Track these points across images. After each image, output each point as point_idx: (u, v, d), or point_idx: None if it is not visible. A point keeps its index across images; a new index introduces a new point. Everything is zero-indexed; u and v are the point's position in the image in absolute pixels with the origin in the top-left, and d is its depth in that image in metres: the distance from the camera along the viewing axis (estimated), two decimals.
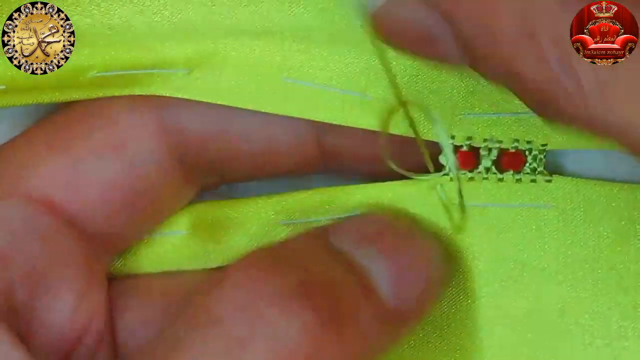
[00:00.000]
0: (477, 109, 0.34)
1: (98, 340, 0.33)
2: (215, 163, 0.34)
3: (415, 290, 0.32)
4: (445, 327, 0.35)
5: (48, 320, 0.32)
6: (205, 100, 0.34)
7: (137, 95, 0.34)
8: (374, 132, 0.33)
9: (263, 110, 0.34)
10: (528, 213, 0.34)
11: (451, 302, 0.35)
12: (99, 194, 0.33)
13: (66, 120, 0.34)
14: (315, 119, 0.34)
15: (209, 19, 0.34)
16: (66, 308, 0.33)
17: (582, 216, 0.34)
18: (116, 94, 0.34)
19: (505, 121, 0.34)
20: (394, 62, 0.33)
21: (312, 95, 0.34)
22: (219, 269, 0.35)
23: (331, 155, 0.35)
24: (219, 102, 0.34)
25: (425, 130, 0.34)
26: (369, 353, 0.31)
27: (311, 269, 0.31)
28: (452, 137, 0.34)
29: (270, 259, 0.31)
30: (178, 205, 0.35)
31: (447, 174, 0.34)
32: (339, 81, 0.34)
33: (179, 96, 0.34)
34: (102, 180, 0.33)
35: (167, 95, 0.34)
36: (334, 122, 0.34)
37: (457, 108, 0.34)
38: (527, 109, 0.32)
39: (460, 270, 0.35)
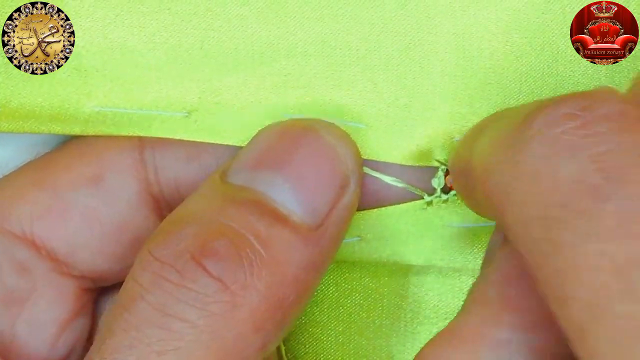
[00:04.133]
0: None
1: None
2: None
3: (323, 195, 0.31)
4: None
5: (28, 348, 0.33)
6: (205, 141, 0.34)
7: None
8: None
9: None
10: None
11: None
12: (78, 225, 0.33)
13: (53, 156, 0.34)
14: None
15: (206, 44, 0.34)
16: (47, 338, 0.33)
17: None
18: (115, 133, 0.34)
19: None
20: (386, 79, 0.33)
21: None
22: None
23: None
24: (219, 142, 0.34)
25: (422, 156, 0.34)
26: (303, 275, 0.31)
27: (208, 219, 0.30)
28: (445, 160, 0.34)
29: (164, 230, 0.31)
30: None
31: (439, 197, 0.34)
32: (349, 115, 0.34)
33: (178, 137, 0.34)
34: (80, 212, 0.33)
35: (165, 137, 0.34)
36: None
37: (450, 132, 0.34)
38: None
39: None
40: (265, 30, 0.33)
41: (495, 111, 0.33)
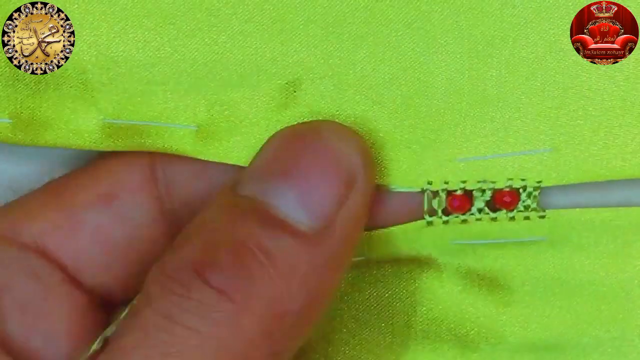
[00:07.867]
0: (472, 153, 0.34)
1: None
2: None
3: (327, 197, 0.32)
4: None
5: (42, 357, 0.33)
6: (214, 160, 0.34)
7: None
8: None
9: None
10: (521, 246, 0.34)
11: (449, 323, 0.35)
12: (91, 243, 0.34)
13: (68, 177, 0.35)
14: None
15: (211, 60, 0.34)
16: (61, 350, 0.33)
17: (576, 241, 0.34)
18: (124, 147, 0.34)
19: (499, 162, 0.34)
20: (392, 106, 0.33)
21: None
22: None
23: None
24: (227, 162, 0.34)
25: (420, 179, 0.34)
26: (313, 280, 0.31)
27: (215, 232, 0.31)
28: (446, 183, 0.33)
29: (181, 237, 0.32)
30: None
31: (440, 217, 0.34)
32: None
33: (189, 155, 0.34)
34: (94, 230, 0.34)
35: (176, 153, 0.34)
36: None
37: (453, 153, 0.34)
38: (521, 149, 0.33)
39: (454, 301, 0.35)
40: (269, 46, 0.33)
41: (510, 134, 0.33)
